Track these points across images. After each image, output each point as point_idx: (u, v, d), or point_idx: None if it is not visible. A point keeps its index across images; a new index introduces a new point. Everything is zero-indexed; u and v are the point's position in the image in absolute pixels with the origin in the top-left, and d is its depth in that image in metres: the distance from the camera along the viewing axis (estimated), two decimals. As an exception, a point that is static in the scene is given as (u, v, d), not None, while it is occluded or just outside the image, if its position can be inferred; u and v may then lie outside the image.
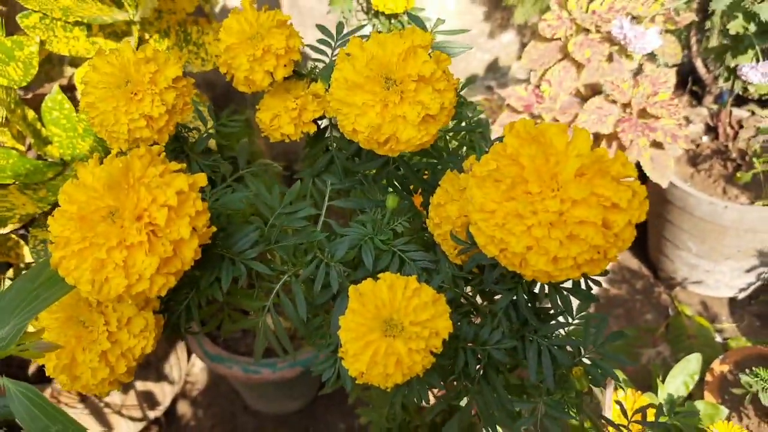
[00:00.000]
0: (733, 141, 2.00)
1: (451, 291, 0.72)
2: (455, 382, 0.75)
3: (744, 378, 1.43)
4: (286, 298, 0.74)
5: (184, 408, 1.94)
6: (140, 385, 1.77)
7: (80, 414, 1.61)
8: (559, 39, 1.81)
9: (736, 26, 1.75)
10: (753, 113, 2.05)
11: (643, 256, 2.30)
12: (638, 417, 0.82)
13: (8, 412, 0.59)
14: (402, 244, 0.72)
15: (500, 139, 0.55)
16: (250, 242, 0.72)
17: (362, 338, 0.59)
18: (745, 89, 1.91)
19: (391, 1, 1.56)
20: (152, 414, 1.80)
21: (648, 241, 2.25)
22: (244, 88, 0.79)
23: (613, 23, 1.69)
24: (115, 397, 1.70)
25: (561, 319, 0.71)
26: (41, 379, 1.56)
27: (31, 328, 0.61)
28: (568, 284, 0.64)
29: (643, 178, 1.76)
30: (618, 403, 0.86)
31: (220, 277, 0.71)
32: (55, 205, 0.90)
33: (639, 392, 1.33)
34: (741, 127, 2.02)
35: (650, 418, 0.83)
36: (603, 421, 0.81)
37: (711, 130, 2.10)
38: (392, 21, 1.64)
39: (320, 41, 0.85)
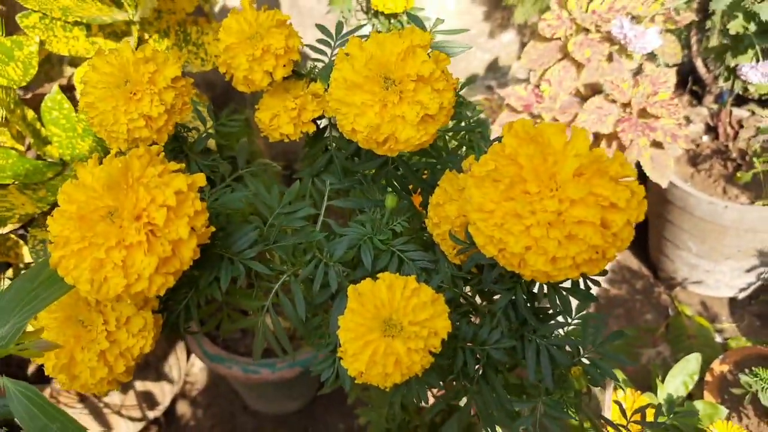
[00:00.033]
0: (733, 141, 2.00)
1: (450, 291, 0.72)
2: (454, 382, 0.75)
3: (744, 378, 1.43)
4: (285, 298, 0.74)
5: (183, 408, 1.94)
6: (140, 385, 1.77)
7: (79, 414, 1.61)
8: (559, 39, 1.81)
9: (736, 26, 1.75)
10: (753, 113, 2.05)
11: (643, 256, 2.30)
12: (637, 417, 0.82)
13: (8, 411, 0.59)
14: (401, 244, 0.72)
15: (500, 138, 0.55)
16: (249, 242, 0.72)
17: (361, 338, 0.59)
18: (745, 89, 1.91)
19: (390, 0, 1.56)
20: (152, 414, 1.80)
21: (648, 241, 2.25)
22: (244, 88, 0.79)
23: (613, 23, 1.68)
24: (114, 397, 1.70)
25: (560, 318, 0.71)
26: (40, 379, 1.56)
27: (30, 328, 0.61)
28: (567, 284, 0.64)
29: (643, 177, 1.76)
30: (617, 403, 0.86)
31: (219, 276, 0.71)
32: (55, 205, 0.90)
33: (638, 392, 1.33)
34: (741, 126, 2.02)
35: (649, 418, 0.83)
36: (602, 421, 0.81)
37: (711, 129, 2.10)
38: (392, 21, 1.64)
39: (320, 41, 0.85)
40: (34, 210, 1.15)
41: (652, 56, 1.86)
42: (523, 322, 0.70)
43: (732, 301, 2.16)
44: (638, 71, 1.85)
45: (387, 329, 0.59)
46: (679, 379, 1.52)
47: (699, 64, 2.10)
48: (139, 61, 0.72)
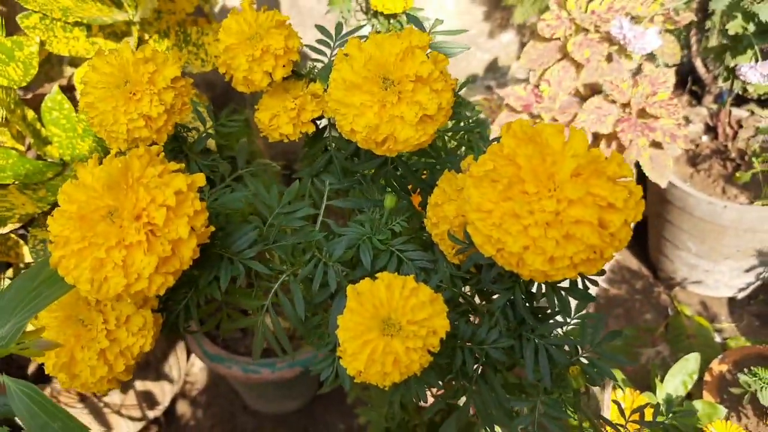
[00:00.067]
0: (732, 141, 2.00)
1: (449, 290, 0.72)
2: (453, 381, 0.75)
3: (743, 377, 1.43)
4: (285, 298, 0.74)
5: (183, 408, 1.95)
6: (140, 385, 1.77)
7: (80, 413, 1.61)
8: (559, 39, 1.82)
9: (735, 26, 1.75)
10: (752, 113, 2.05)
11: (643, 256, 2.30)
12: (636, 416, 0.82)
13: (8, 410, 0.59)
14: (400, 244, 0.72)
15: (499, 139, 0.55)
16: (248, 242, 0.72)
17: (360, 337, 0.59)
18: (745, 89, 1.91)
19: (389, 1, 1.56)
20: (152, 414, 1.81)
21: (647, 241, 2.25)
22: (243, 88, 0.79)
23: (612, 23, 1.69)
24: (114, 397, 1.71)
25: (559, 318, 0.71)
26: (41, 378, 1.56)
27: (30, 327, 0.62)
28: (566, 284, 0.64)
29: (642, 177, 1.76)
30: (616, 402, 0.86)
31: (219, 276, 0.71)
32: (55, 204, 0.91)
33: (637, 392, 1.33)
34: (740, 126, 2.03)
35: (648, 417, 0.83)
36: (601, 420, 0.81)
37: (710, 129, 2.10)
38: (391, 21, 1.64)
39: (319, 41, 0.85)
40: (34, 210, 1.16)
41: (651, 56, 1.86)
42: (522, 321, 0.70)
43: (731, 300, 2.16)
44: (637, 71, 1.85)
45: (386, 328, 0.59)
46: (678, 379, 1.53)
47: (698, 64, 2.11)
48: (138, 62, 0.72)
